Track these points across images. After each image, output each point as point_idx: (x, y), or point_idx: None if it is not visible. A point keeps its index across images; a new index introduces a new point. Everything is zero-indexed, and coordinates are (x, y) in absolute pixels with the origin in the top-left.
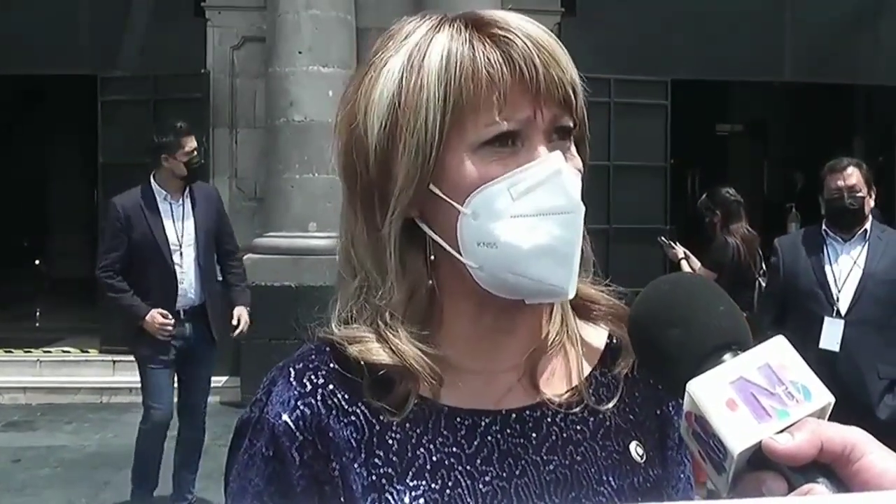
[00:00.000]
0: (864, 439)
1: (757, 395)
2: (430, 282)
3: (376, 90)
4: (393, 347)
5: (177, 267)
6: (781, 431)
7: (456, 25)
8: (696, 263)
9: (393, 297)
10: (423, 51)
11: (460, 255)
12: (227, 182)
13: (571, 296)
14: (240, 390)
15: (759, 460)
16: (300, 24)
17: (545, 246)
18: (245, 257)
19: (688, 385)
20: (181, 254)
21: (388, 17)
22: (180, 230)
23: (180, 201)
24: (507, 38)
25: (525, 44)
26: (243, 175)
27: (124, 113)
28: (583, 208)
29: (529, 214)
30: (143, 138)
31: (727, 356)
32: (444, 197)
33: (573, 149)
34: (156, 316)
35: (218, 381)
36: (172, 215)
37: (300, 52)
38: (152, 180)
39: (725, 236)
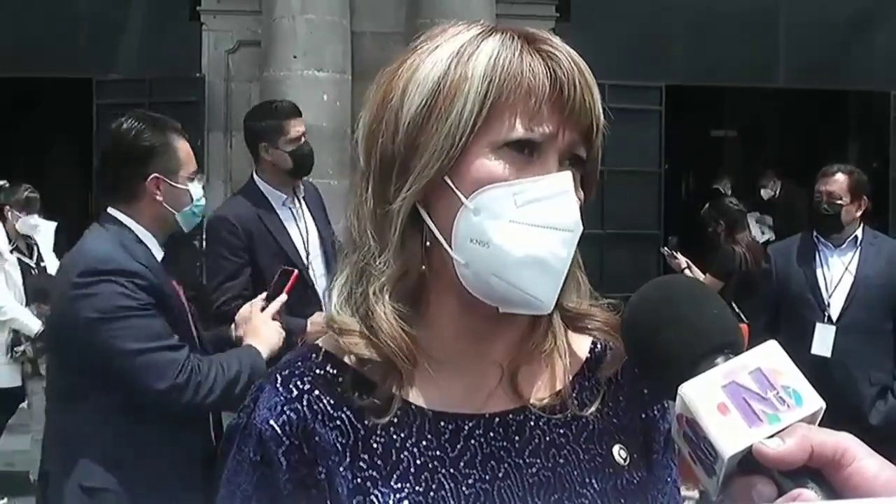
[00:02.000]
0: (854, 445)
1: (748, 399)
2: (423, 267)
3: (422, 70)
4: (375, 326)
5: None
6: (772, 436)
7: (508, 34)
8: (699, 274)
9: (387, 271)
10: (475, 47)
11: (451, 248)
12: (221, 186)
13: (548, 311)
14: None
15: (750, 464)
16: (295, 28)
17: (537, 257)
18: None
19: (680, 388)
20: (312, 271)
21: (383, 22)
22: (306, 241)
23: (296, 203)
24: (555, 54)
25: (570, 65)
26: (238, 178)
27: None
28: (581, 229)
29: (528, 224)
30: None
31: (719, 360)
32: (453, 187)
33: (579, 181)
34: (317, 320)
35: None
36: (297, 224)
37: (295, 57)
38: (258, 181)
39: (732, 245)
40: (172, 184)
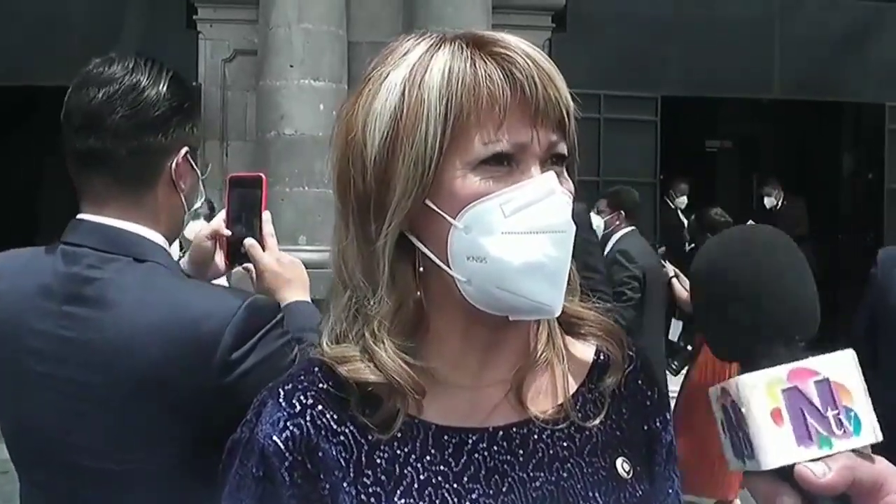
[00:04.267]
0: (892, 477)
1: (806, 413)
2: (418, 293)
3: (377, 102)
4: (377, 363)
5: None
6: (817, 459)
7: (457, 44)
8: (687, 283)
9: (382, 308)
10: (425, 66)
11: (449, 268)
12: (217, 195)
13: (557, 314)
14: None
15: (783, 471)
16: (292, 37)
17: (534, 263)
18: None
19: (739, 379)
20: None
21: (379, 32)
22: None
23: None
24: (509, 55)
25: (526, 62)
26: None
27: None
28: (573, 228)
29: (520, 232)
30: None
31: (787, 350)
32: (438, 210)
33: (565, 173)
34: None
35: None
36: None
37: (291, 66)
38: None
39: None
40: (194, 165)
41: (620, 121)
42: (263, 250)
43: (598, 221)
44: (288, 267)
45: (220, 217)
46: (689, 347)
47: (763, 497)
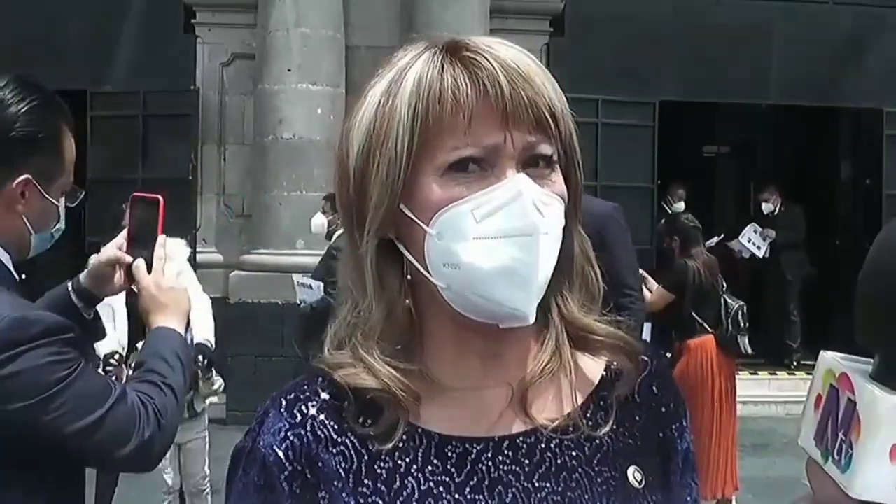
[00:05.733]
0: None
1: None
2: (407, 301)
3: (358, 116)
4: (371, 368)
5: None
6: None
7: (434, 51)
8: (653, 285)
9: (371, 316)
10: (402, 77)
11: (430, 275)
12: (214, 199)
13: (531, 321)
14: (225, 407)
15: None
16: (290, 41)
17: (504, 268)
18: (231, 274)
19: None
20: None
21: (378, 37)
22: None
23: None
24: (475, 59)
25: (491, 64)
26: (231, 192)
27: (113, 128)
28: (544, 230)
29: (491, 237)
30: (131, 153)
31: None
32: (413, 217)
33: (555, 175)
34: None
35: None
36: None
37: (289, 70)
38: None
39: (685, 260)
40: (45, 194)
41: (618, 126)
42: (149, 272)
43: (321, 220)
44: (165, 292)
45: (122, 236)
46: (669, 354)
47: (827, 498)
